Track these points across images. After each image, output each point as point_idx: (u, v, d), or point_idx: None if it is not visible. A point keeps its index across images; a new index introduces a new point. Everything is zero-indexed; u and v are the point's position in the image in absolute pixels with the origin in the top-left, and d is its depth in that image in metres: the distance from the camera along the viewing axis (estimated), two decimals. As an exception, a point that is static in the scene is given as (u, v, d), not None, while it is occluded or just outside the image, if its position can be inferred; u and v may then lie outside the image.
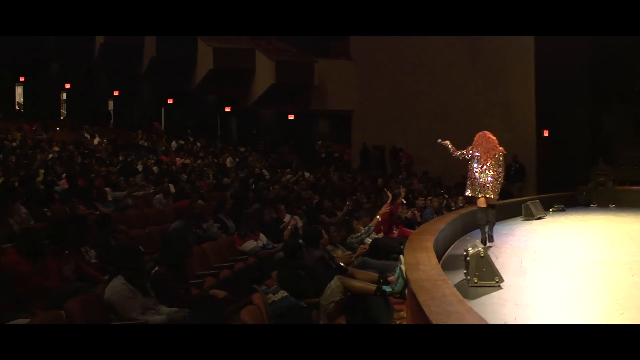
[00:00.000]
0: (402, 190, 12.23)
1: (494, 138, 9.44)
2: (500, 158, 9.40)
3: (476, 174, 9.31)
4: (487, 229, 9.58)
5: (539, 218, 13.29)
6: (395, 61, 22.81)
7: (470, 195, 9.58)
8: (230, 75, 27.03)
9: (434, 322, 3.73)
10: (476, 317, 3.89)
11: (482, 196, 9.35)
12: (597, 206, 16.36)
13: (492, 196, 9.35)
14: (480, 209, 9.49)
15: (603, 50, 17.53)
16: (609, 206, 16.14)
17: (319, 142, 28.81)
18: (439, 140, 9.91)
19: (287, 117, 30.11)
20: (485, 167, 9.25)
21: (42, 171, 14.85)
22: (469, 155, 9.41)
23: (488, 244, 9.47)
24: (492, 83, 20.85)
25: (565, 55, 17.49)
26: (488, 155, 9.27)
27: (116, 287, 5.51)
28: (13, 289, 5.73)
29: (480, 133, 9.56)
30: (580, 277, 7.43)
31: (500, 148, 9.41)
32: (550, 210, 14.75)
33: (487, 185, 9.27)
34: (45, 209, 10.35)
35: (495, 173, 9.29)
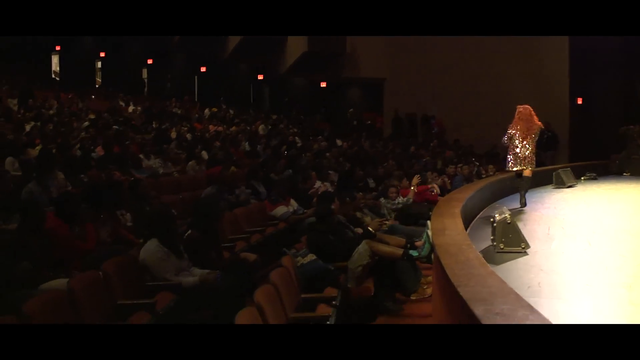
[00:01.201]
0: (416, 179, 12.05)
1: (534, 114, 10.13)
2: (538, 132, 10.16)
3: (517, 148, 10.04)
4: (522, 194, 10.25)
5: (570, 186, 13.23)
6: (426, 29, 22.70)
7: (512, 169, 10.26)
8: (263, 43, 27.07)
9: (456, 284, 3.82)
10: (497, 280, 3.97)
11: (522, 168, 10.05)
12: (630, 175, 16.20)
13: (531, 168, 10.11)
14: (518, 177, 10.27)
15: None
16: (642, 175, 15.98)
17: (351, 110, 28.83)
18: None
19: (319, 85, 30.13)
20: (525, 142, 10.00)
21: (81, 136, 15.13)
22: (513, 131, 10.09)
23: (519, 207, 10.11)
24: (525, 50, 20.65)
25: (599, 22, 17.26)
26: (529, 131, 10.01)
27: (151, 249, 5.71)
28: (53, 252, 5.93)
29: (522, 107, 10.23)
30: (607, 245, 7.47)
31: (539, 123, 10.16)
32: (582, 178, 14.67)
33: (527, 159, 10.03)
34: (82, 175, 10.58)
35: (533, 147, 10.08)
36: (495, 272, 4.22)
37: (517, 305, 3.35)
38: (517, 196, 10.49)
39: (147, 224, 6.19)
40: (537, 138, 10.19)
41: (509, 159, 10.18)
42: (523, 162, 10.02)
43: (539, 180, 13.48)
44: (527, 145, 10.02)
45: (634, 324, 4.18)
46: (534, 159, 10.17)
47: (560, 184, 13.19)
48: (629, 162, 16.47)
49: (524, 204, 10.18)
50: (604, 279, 5.82)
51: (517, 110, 10.27)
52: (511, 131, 10.12)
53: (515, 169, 10.19)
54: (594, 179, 14.95)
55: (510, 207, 9.42)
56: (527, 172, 10.12)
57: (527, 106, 10.23)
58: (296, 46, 26.09)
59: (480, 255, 4.75)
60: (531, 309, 3.27)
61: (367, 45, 25.02)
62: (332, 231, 7.08)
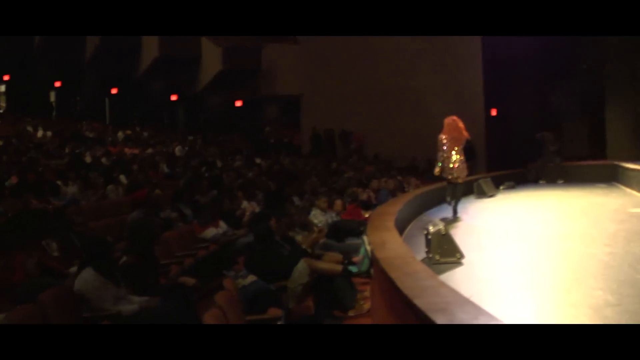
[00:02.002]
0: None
1: (462, 125, 10.47)
2: (465, 143, 10.54)
3: (446, 157, 10.33)
4: (452, 204, 10.63)
5: (491, 196, 13.51)
6: (343, 43, 22.83)
7: (440, 175, 10.56)
8: (176, 62, 26.78)
9: (411, 297, 3.79)
10: (450, 290, 3.97)
11: (451, 177, 10.38)
12: (545, 182, 16.70)
13: (461, 176, 10.44)
14: (448, 186, 10.59)
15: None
16: (557, 182, 16.49)
17: (267, 128, 28.78)
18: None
19: (235, 103, 29.97)
20: (453, 152, 10.33)
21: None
22: (441, 144, 10.39)
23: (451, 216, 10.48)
24: (440, 63, 21.11)
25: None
26: (457, 142, 10.36)
27: (87, 278, 5.48)
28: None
29: (449, 119, 10.52)
30: (537, 251, 7.62)
31: (466, 134, 10.50)
32: (501, 187, 15.01)
33: (455, 167, 10.36)
34: (-4, 204, 10.16)
35: (462, 156, 10.43)
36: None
37: (476, 314, 3.37)
38: (443, 208, 10.89)
39: (81, 251, 5.95)
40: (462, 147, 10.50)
41: (441, 167, 10.42)
42: (454, 171, 10.35)
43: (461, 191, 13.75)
44: (455, 155, 10.34)
45: (583, 324, 4.26)
46: (465, 167, 10.56)
47: (482, 194, 13.46)
48: (544, 170, 16.98)
49: (455, 212, 10.61)
50: (542, 284, 5.93)
51: (445, 122, 10.53)
52: (443, 139, 10.38)
53: (447, 176, 10.45)
54: (512, 187, 15.32)
55: (440, 218, 9.55)
56: (459, 180, 10.48)
57: (454, 117, 10.53)
58: (211, 65, 25.90)
59: (427, 267, 4.76)
60: (491, 316, 3.30)
61: (283, 62, 25.07)
62: (271, 251, 6.99)
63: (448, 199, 10.69)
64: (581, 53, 18.53)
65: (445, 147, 10.33)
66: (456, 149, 10.36)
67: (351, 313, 7.42)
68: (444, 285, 4.12)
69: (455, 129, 10.40)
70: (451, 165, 10.33)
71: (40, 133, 23.86)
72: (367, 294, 7.43)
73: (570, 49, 18.18)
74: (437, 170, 10.50)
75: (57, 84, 33.14)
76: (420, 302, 3.66)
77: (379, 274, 5.49)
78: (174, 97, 32.44)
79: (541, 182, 16.79)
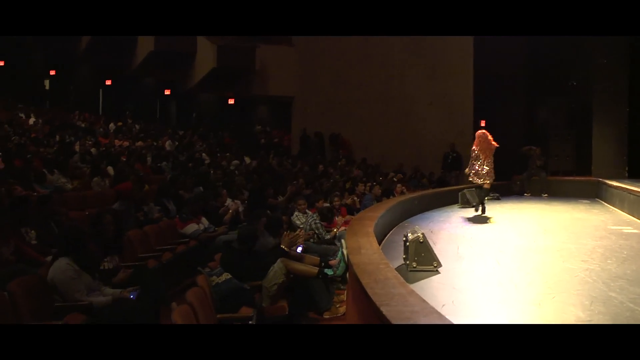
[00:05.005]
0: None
1: (491, 137, 11.79)
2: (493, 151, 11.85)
3: (477, 166, 11.77)
4: (481, 206, 12.16)
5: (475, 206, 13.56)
6: (336, 48, 22.87)
7: (473, 181, 11.99)
8: (171, 57, 26.74)
9: (378, 304, 3.82)
10: (418, 299, 4.01)
11: (482, 182, 11.77)
12: (530, 195, 16.79)
13: (490, 182, 11.84)
14: (479, 188, 12.11)
15: (539, 44, 17.96)
16: (542, 195, 16.57)
17: (258, 126, 28.77)
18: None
19: (227, 101, 29.95)
20: (485, 161, 11.71)
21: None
22: (474, 154, 11.84)
23: (479, 213, 12.11)
24: (432, 73, 21.17)
25: (503, 48, 17.86)
26: (488, 151, 11.73)
27: (60, 267, 5.49)
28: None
29: (480, 132, 11.91)
30: (514, 263, 7.66)
31: (494, 144, 11.79)
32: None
33: (488, 174, 11.73)
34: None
35: (492, 164, 11.79)
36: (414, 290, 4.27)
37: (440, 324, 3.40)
38: (425, 216, 11.42)
39: (58, 241, 5.94)
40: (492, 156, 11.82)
41: (471, 174, 11.84)
42: (484, 176, 11.67)
43: (445, 200, 13.81)
44: (487, 162, 11.67)
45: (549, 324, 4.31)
46: (493, 173, 11.82)
47: (466, 204, 13.50)
48: (529, 183, 17.07)
49: (483, 211, 12.05)
50: (515, 297, 5.96)
51: (476, 135, 11.92)
52: (475, 150, 11.75)
53: (477, 181, 11.79)
54: (497, 199, 15.35)
55: (422, 226, 9.60)
56: (487, 185, 11.81)
57: (484, 131, 11.89)
58: (205, 61, 25.86)
59: (399, 274, 4.79)
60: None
61: (277, 63, 25.06)
62: (249, 251, 7.00)
63: (473, 202, 12.43)
64: (570, 70, 18.64)
65: (474, 155, 11.76)
66: (486, 157, 11.70)
67: (326, 315, 7.47)
68: (413, 294, 4.14)
69: (485, 140, 11.72)
70: (482, 171, 11.66)
71: (32, 120, 23.79)
72: (343, 297, 7.47)
73: (559, 66, 18.29)
74: (470, 177, 11.93)
75: (52, 72, 33.04)
76: (386, 310, 3.70)
77: (352, 279, 5.52)
78: (167, 92, 32.40)
79: (526, 194, 16.88)
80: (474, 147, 11.87)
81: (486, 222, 11.48)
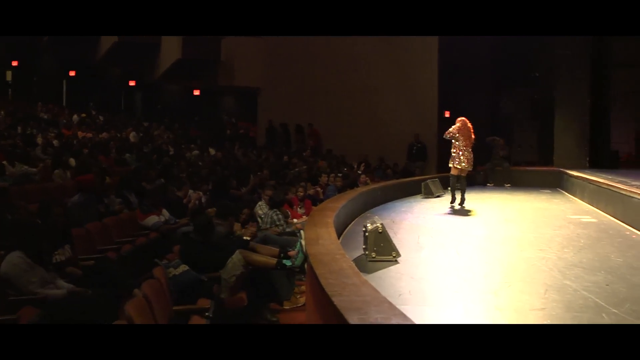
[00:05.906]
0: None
1: (471, 125, 11.90)
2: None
3: (458, 152, 11.84)
4: (461, 194, 12.14)
5: (438, 196, 13.67)
6: (302, 40, 22.80)
7: (454, 166, 11.98)
8: (136, 48, 26.48)
9: (330, 294, 3.83)
10: (371, 289, 4.03)
11: (461, 167, 11.86)
12: (493, 185, 16.95)
13: (469, 168, 12.06)
14: (453, 176, 12.06)
15: (504, 37, 18.14)
16: (504, 186, 16.75)
17: (225, 116, 28.64)
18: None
19: (193, 92, 29.77)
20: (464, 147, 11.81)
21: None
22: (449, 136, 11.95)
23: (457, 205, 12.08)
24: (397, 64, 21.22)
25: (467, 40, 18.00)
26: (469, 140, 11.86)
27: (12, 260, 5.42)
28: None
29: (462, 120, 11.94)
30: (473, 253, 7.75)
31: (473, 136, 11.92)
32: (449, 188, 15.14)
33: (466, 160, 11.86)
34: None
35: (471, 153, 11.94)
36: (367, 281, 4.29)
37: (390, 314, 3.41)
38: (388, 206, 11.60)
39: (10, 234, 5.87)
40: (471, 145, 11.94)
41: (455, 158, 11.87)
42: (463, 162, 11.80)
43: (409, 190, 13.89)
44: (466, 152, 11.81)
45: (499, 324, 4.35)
46: (472, 161, 11.99)
47: (429, 194, 13.61)
48: (492, 174, 17.24)
49: (463, 201, 12.12)
50: (472, 286, 6.03)
51: (457, 120, 11.98)
52: (455, 133, 11.79)
53: (453, 164, 11.89)
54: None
55: (384, 217, 9.66)
56: (464, 173, 11.99)
57: (465, 119, 11.95)
58: (170, 52, 25.67)
59: (354, 265, 4.80)
60: (404, 317, 3.33)
61: (242, 54, 24.91)
62: (207, 242, 6.97)
63: (449, 189, 12.25)
64: (533, 62, 18.84)
65: (455, 135, 11.78)
66: (466, 146, 11.80)
67: (286, 306, 7.50)
68: (366, 284, 4.16)
69: (465, 127, 11.79)
70: (464, 159, 11.78)
71: (-7, 112, 23.43)
72: (304, 288, 7.49)
73: (523, 56, 18.48)
74: (454, 164, 11.91)
75: (14, 63, 32.53)
76: (337, 300, 3.71)
77: (309, 270, 5.54)
78: (132, 83, 32.11)
79: (489, 185, 17.04)
80: (454, 130, 11.85)
81: (450, 214, 11.55)
